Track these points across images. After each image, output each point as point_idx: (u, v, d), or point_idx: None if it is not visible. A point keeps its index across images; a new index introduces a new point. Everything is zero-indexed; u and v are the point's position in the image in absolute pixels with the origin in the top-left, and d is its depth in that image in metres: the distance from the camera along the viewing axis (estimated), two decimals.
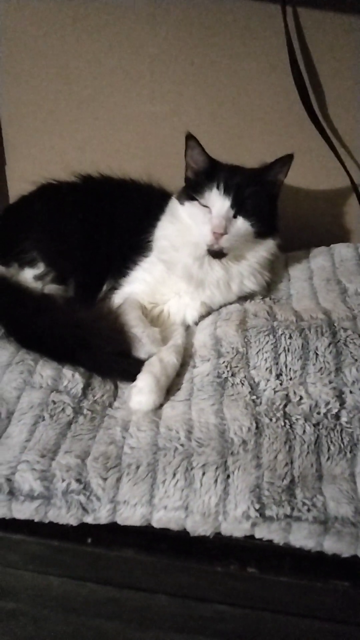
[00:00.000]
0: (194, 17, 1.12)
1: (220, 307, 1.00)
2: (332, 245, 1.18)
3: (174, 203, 1.01)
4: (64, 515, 0.66)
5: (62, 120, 1.23)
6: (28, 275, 1.00)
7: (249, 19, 1.11)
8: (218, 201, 0.93)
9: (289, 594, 0.66)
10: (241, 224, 0.94)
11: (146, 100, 1.20)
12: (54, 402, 0.77)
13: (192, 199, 0.95)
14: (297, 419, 0.75)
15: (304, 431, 0.73)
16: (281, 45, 1.10)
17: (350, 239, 1.28)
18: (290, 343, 0.84)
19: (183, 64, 1.16)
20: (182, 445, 0.71)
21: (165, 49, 1.15)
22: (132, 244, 1.03)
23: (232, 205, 0.93)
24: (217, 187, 0.93)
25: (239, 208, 0.93)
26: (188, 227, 0.97)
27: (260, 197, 0.95)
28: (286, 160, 0.97)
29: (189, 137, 0.96)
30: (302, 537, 0.64)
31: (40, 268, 1.00)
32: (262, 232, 0.97)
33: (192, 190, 0.96)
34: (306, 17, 1.10)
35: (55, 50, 1.17)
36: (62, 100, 1.21)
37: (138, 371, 0.81)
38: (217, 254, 0.94)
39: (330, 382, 0.78)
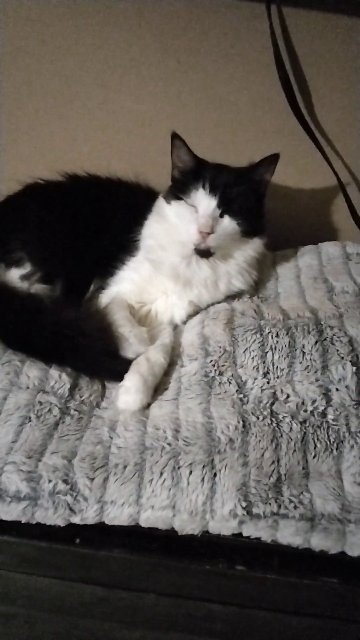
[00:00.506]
0: (180, 16, 1.12)
1: (208, 306, 1.00)
2: (319, 244, 1.18)
3: (160, 202, 1.01)
4: (51, 516, 0.66)
5: (48, 120, 1.23)
6: (14, 275, 0.99)
7: (234, 19, 1.11)
8: (204, 200, 0.93)
9: (277, 591, 0.67)
10: (228, 223, 0.94)
11: (133, 99, 1.20)
12: (41, 403, 0.77)
13: (179, 198, 0.96)
14: (284, 417, 0.75)
15: (291, 429, 0.74)
16: (267, 45, 1.10)
17: (338, 237, 1.29)
18: (277, 341, 0.84)
19: (169, 63, 1.16)
20: (169, 444, 0.71)
21: (152, 48, 1.15)
22: (120, 244, 1.03)
23: (219, 205, 0.93)
24: (203, 187, 0.93)
25: (225, 207, 0.93)
26: (175, 227, 0.97)
27: (247, 196, 0.95)
28: (272, 159, 0.97)
29: (175, 137, 0.96)
30: (289, 534, 0.65)
31: (26, 268, 0.99)
32: (248, 231, 0.97)
33: (178, 190, 0.96)
34: (291, 17, 1.10)
35: (42, 50, 1.17)
36: (48, 100, 1.21)
37: (125, 371, 0.81)
38: (204, 253, 0.94)
39: (316, 380, 0.79)
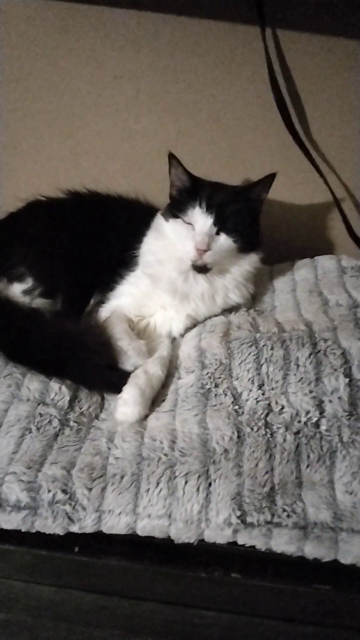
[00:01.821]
0: (178, 38, 1.15)
1: (205, 319, 1.01)
2: (315, 258, 1.20)
3: (159, 219, 1.03)
4: (50, 525, 0.67)
5: (49, 138, 1.25)
6: (16, 290, 1.01)
7: (230, 40, 1.14)
8: (201, 219, 0.95)
9: (272, 598, 0.68)
10: (224, 241, 0.96)
11: (132, 118, 1.22)
12: (41, 415, 0.79)
13: (176, 216, 0.98)
14: (278, 428, 0.76)
15: (285, 439, 0.75)
16: (262, 65, 1.13)
17: (334, 251, 1.31)
18: (272, 354, 0.86)
19: (167, 83, 1.19)
20: (165, 455, 0.72)
21: (151, 68, 1.18)
22: (119, 259, 1.04)
23: (215, 223, 0.95)
24: (200, 205, 0.95)
25: (221, 225, 0.95)
26: (173, 243, 0.99)
27: (243, 214, 0.97)
28: (269, 179, 0.99)
29: (171, 157, 0.99)
30: (283, 543, 0.66)
31: (28, 283, 1.01)
32: (245, 247, 0.99)
33: (175, 208, 0.98)
34: (285, 38, 1.13)
35: (42, 69, 1.19)
36: (49, 118, 1.24)
37: (124, 383, 0.83)
38: (201, 269, 0.96)
39: (310, 392, 0.80)
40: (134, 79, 1.19)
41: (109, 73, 1.19)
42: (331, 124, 1.21)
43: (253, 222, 1.02)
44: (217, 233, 0.96)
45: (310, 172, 1.20)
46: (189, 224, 0.96)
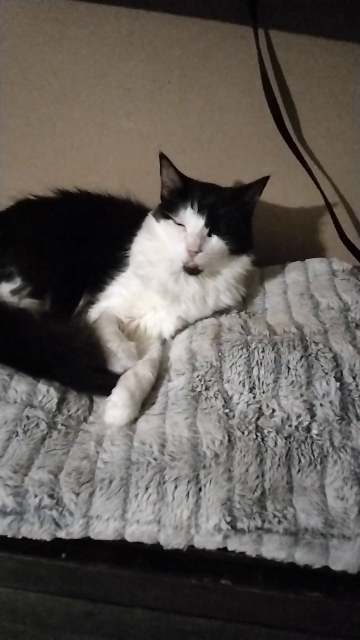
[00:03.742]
0: (170, 38, 1.14)
1: (196, 321, 1.01)
2: (306, 260, 1.20)
3: (150, 220, 1.02)
4: (36, 530, 0.66)
5: (41, 138, 1.24)
6: (4, 290, 1.00)
7: (223, 41, 1.14)
8: (192, 220, 0.94)
9: (262, 605, 0.67)
10: (215, 242, 0.95)
11: (124, 118, 1.22)
12: (28, 418, 0.77)
13: (168, 217, 0.97)
14: (268, 432, 0.76)
15: (276, 444, 0.74)
16: (254, 66, 1.13)
17: (325, 254, 1.31)
18: (263, 357, 0.85)
19: (159, 83, 1.18)
20: (155, 459, 0.71)
21: (143, 69, 1.17)
22: (109, 259, 1.04)
23: (206, 224, 0.94)
24: (192, 206, 0.95)
25: (213, 227, 0.95)
26: (164, 244, 0.98)
27: (235, 216, 0.97)
28: (262, 182, 0.99)
29: (162, 157, 0.98)
30: (273, 549, 0.65)
31: (17, 282, 1.00)
32: (236, 249, 0.99)
33: (167, 209, 0.98)
34: (277, 39, 1.13)
35: (38, 71, 1.19)
36: (42, 118, 1.23)
37: (113, 385, 0.82)
38: (192, 270, 0.96)
39: (301, 395, 0.80)
40: (125, 78, 1.18)
41: (100, 71, 1.18)
42: (324, 127, 1.21)
43: (245, 224, 1.01)
44: (209, 235, 0.95)
45: (301, 174, 1.20)
46: (180, 225, 0.96)
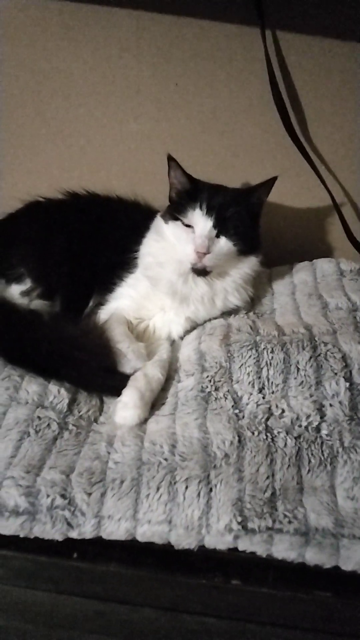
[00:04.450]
0: (177, 40, 1.14)
1: (205, 322, 1.01)
2: (314, 260, 1.20)
3: (158, 221, 1.02)
4: (49, 530, 0.66)
5: (49, 139, 1.25)
6: (15, 291, 1.01)
7: (230, 42, 1.14)
8: (200, 221, 0.94)
9: (272, 605, 0.67)
10: (224, 244, 0.96)
11: (131, 120, 1.22)
12: (40, 418, 0.78)
13: (176, 218, 0.97)
14: (278, 432, 0.76)
15: (285, 444, 0.74)
16: (261, 67, 1.13)
17: (332, 254, 1.31)
18: (272, 357, 0.85)
19: (167, 85, 1.18)
20: (165, 459, 0.72)
21: (150, 70, 1.17)
22: (118, 260, 1.04)
23: (215, 226, 0.94)
24: (200, 208, 0.95)
25: (221, 228, 0.95)
26: (172, 245, 0.98)
27: (243, 217, 0.97)
28: (270, 182, 0.99)
29: (170, 159, 0.98)
30: (284, 549, 0.65)
31: (27, 284, 1.01)
32: (244, 250, 0.99)
33: (175, 210, 0.98)
34: (285, 40, 1.13)
35: (43, 72, 1.19)
36: (49, 120, 1.23)
37: (123, 386, 0.82)
38: (200, 271, 0.96)
39: (311, 396, 0.80)
40: (133, 80, 1.19)
41: (107, 74, 1.19)
42: (331, 127, 1.21)
43: (253, 225, 1.01)
44: (217, 236, 0.95)
45: (309, 174, 1.20)
46: (188, 226, 0.96)
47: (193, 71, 1.17)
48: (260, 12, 1.08)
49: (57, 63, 1.18)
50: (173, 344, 0.99)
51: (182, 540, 0.66)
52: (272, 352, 0.86)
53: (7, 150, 1.27)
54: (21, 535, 0.67)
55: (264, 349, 0.87)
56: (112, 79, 1.19)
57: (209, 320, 1.01)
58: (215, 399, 0.82)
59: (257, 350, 0.87)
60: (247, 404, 0.80)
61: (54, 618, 0.72)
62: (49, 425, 0.77)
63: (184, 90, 1.19)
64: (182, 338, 1.00)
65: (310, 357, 0.85)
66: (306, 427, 0.77)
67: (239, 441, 0.74)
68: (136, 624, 0.72)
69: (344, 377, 0.82)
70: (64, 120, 1.23)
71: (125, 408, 0.79)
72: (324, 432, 0.76)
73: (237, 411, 0.80)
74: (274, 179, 0.99)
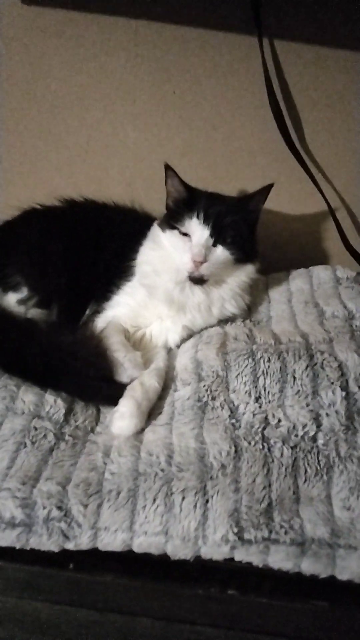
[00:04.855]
0: (176, 48, 1.15)
1: (202, 330, 1.01)
2: (310, 268, 1.20)
3: (156, 229, 1.03)
4: (45, 542, 0.66)
5: (47, 146, 1.25)
6: (11, 300, 1.00)
7: (228, 51, 1.14)
8: (198, 230, 0.95)
9: (269, 614, 0.67)
10: (221, 253, 0.96)
11: (129, 127, 1.22)
12: (36, 428, 0.78)
13: (173, 227, 0.97)
14: (275, 442, 0.76)
15: (282, 454, 0.74)
16: (259, 76, 1.13)
17: (329, 261, 1.31)
18: (268, 366, 0.85)
19: (165, 94, 1.19)
20: (162, 470, 0.72)
21: (148, 78, 1.18)
22: (115, 268, 1.04)
23: (212, 234, 0.95)
24: (197, 216, 0.95)
25: (218, 237, 0.95)
26: (169, 254, 0.99)
27: (240, 225, 0.97)
28: (266, 190, 1.00)
29: (167, 167, 0.99)
30: (280, 559, 0.65)
31: (23, 292, 1.01)
32: (241, 258, 0.99)
33: (172, 219, 0.98)
34: (282, 49, 1.14)
35: (42, 79, 1.19)
36: (47, 127, 1.23)
37: (120, 395, 0.82)
38: (197, 280, 0.96)
39: (307, 405, 0.80)
40: (130, 88, 1.19)
41: (105, 82, 1.19)
42: (328, 135, 1.21)
43: (250, 233, 1.01)
44: (214, 245, 0.95)
45: (306, 182, 1.20)
46: (185, 234, 0.96)
47: (191, 80, 1.18)
48: (258, 21, 1.08)
49: (55, 71, 1.19)
50: (170, 352, 0.99)
51: (179, 551, 0.66)
52: (268, 361, 0.86)
53: (4, 158, 1.27)
54: (17, 547, 0.67)
55: (260, 357, 0.87)
56: (110, 87, 1.19)
57: (206, 328, 1.01)
58: (212, 408, 0.81)
59: (253, 359, 0.87)
60: (243, 414, 0.80)
61: (50, 628, 0.72)
62: (45, 435, 0.77)
63: (182, 99, 1.19)
64: (178, 346, 1.00)
65: (307, 366, 0.85)
66: (302, 437, 0.77)
67: (236, 451, 0.74)
68: (133, 634, 0.72)
69: (340, 386, 0.81)
70: (62, 128, 1.23)
71: (122, 418, 0.79)
72: (320, 441, 0.76)
73: (233, 421, 0.80)
74: (270, 186, 0.99)
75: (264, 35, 1.11)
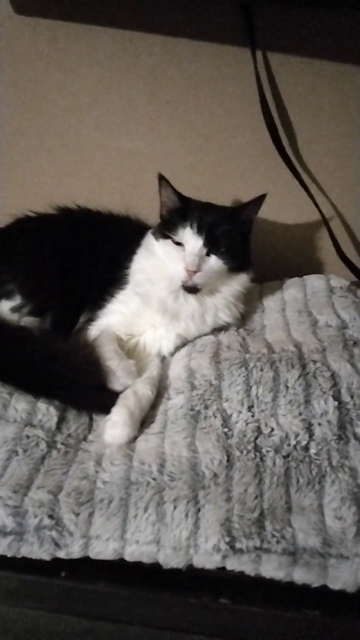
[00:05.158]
0: (170, 59, 1.16)
1: (195, 338, 1.01)
2: (304, 277, 1.20)
3: (149, 238, 1.03)
4: (36, 550, 0.66)
5: (41, 155, 1.26)
6: (4, 308, 1.00)
7: (221, 62, 1.15)
8: (191, 240, 0.95)
9: (261, 623, 0.67)
10: (214, 262, 0.96)
11: (123, 137, 1.23)
12: (28, 437, 0.78)
13: (166, 236, 0.98)
14: (267, 451, 0.76)
15: (274, 463, 0.74)
16: (252, 87, 1.14)
17: (322, 270, 1.32)
18: (261, 375, 0.86)
19: (158, 104, 1.20)
20: (154, 479, 0.71)
21: (142, 88, 1.19)
22: (109, 277, 1.04)
23: (205, 244, 0.95)
24: (191, 226, 0.95)
25: (211, 247, 0.95)
26: (163, 263, 0.99)
27: (233, 235, 0.97)
28: (260, 200, 1.00)
29: (161, 178, 0.99)
30: (272, 569, 0.65)
31: (17, 300, 1.01)
32: (235, 268, 0.99)
33: (166, 228, 0.98)
34: (275, 61, 1.15)
35: (36, 87, 1.20)
36: (42, 137, 1.24)
37: (113, 404, 0.82)
38: (191, 289, 0.96)
39: (300, 414, 0.80)
40: (125, 98, 1.20)
41: (100, 92, 1.20)
42: (321, 146, 1.22)
43: (243, 243, 1.02)
44: (208, 254, 0.96)
45: (300, 192, 1.21)
46: (179, 244, 0.96)
47: (185, 90, 1.18)
48: (251, 33, 1.09)
49: (50, 82, 1.19)
50: (163, 361, 0.99)
51: (171, 560, 0.66)
52: (261, 370, 0.86)
53: (1, 167, 1.27)
54: (9, 555, 0.66)
55: (253, 367, 0.87)
56: (104, 97, 1.20)
57: (200, 337, 1.01)
58: (205, 417, 0.81)
59: (246, 369, 0.87)
60: (236, 423, 0.80)
61: (42, 636, 0.72)
62: (37, 444, 0.77)
63: (176, 109, 1.20)
64: (172, 355, 1.00)
65: (300, 376, 0.85)
66: (295, 446, 0.77)
67: (228, 460, 0.74)
68: None
69: (332, 395, 0.82)
70: (57, 137, 1.24)
71: (114, 426, 0.79)
72: (312, 451, 0.76)
73: (226, 430, 0.80)
74: (263, 196, 1.00)
75: (258, 48, 1.12)
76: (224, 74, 1.16)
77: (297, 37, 1.12)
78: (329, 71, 1.15)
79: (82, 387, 0.85)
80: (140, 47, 1.15)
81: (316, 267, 1.32)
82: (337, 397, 0.82)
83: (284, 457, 0.75)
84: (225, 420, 0.81)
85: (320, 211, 1.22)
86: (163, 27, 1.12)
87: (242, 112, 1.19)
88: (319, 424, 0.79)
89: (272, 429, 0.79)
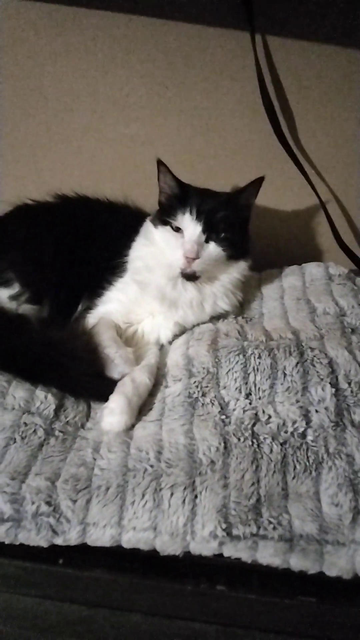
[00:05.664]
0: (167, 43, 1.15)
1: (194, 326, 1.01)
2: (303, 265, 1.20)
3: (148, 225, 1.02)
4: (34, 537, 0.66)
5: (39, 143, 1.25)
6: (3, 296, 1.00)
7: (220, 46, 1.14)
8: (190, 226, 0.94)
9: (258, 610, 0.68)
10: (213, 249, 0.96)
11: (122, 124, 1.22)
12: (26, 424, 0.78)
13: (165, 223, 0.97)
14: (264, 438, 0.76)
15: (271, 450, 0.75)
16: (251, 71, 1.13)
17: (321, 258, 1.31)
18: (259, 363, 0.86)
19: (157, 89, 1.19)
20: (151, 466, 0.72)
21: (140, 75, 1.18)
22: (107, 264, 1.04)
23: (204, 231, 0.94)
24: (190, 212, 0.95)
25: (210, 233, 0.95)
26: (161, 250, 0.98)
27: (232, 221, 0.97)
28: (257, 183, 0.99)
29: (159, 163, 0.98)
30: (268, 555, 0.65)
31: (15, 288, 1.01)
32: (234, 255, 0.99)
33: (164, 215, 0.98)
34: (274, 45, 1.14)
35: (34, 75, 1.19)
36: (42, 124, 1.23)
37: (111, 391, 0.82)
38: (189, 276, 0.96)
39: (297, 401, 0.80)
40: (123, 83, 1.19)
41: (98, 78, 1.18)
42: (320, 131, 1.21)
43: (242, 230, 1.02)
44: (206, 241, 0.95)
45: (298, 179, 1.20)
46: (177, 230, 0.96)
47: (183, 76, 1.17)
48: (250, 16, 1.08)
49: (48, 66, 1.18)
50: (161, 349, 0.99)
51: (168, 546, 0.66)
52: (259, 357, 0.86)
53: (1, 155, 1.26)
54: (6, 542, 0.67)
55: (251, 354, 0.87)
56: (102, 83, 1.19)
57: (198, 324, 1.01)
58: (202, 404, 0.81)
59: (244, 356, 0.87)
60: (233, 410, 0.80)
61: (40, 623, 0.72)
62: (35, 431, 0.77)
63: (174, 95, 1.19)
64: (170, 343, 1.00)
65: (297, 363, 0.85)
66: (292, 433, 0.77)
67: (225, 447, 0.74)
68: (122, 629, 0.72)
69: (330, 382, 0.82)
70: (55, 124, 1.23)
71: (112, 414, 0.79)
72: (309, 438, 0.76)
73: (223, 417, 0.80)
74: (261, 179, 0.99)
75: (256, 31, 1.11)
76: (223, 58, 1.15)
77: (297, 20, 1.11)
78: (328, 55, 1.14)
79: (80, 374, 0.84)
80: (139, 32, 1.14)
81: (316, 255, 1.31)
82: (334, 384, 0.82)
83: (281, 444, 0.76)
84: (223, 408, 0.81)
85: (319, 198, 1.22)
86: (162, 10, 1.11)
87: (241, 97, 1.18)
88: (316, 411, 0.79)
89: (270, 416, 0.79)
